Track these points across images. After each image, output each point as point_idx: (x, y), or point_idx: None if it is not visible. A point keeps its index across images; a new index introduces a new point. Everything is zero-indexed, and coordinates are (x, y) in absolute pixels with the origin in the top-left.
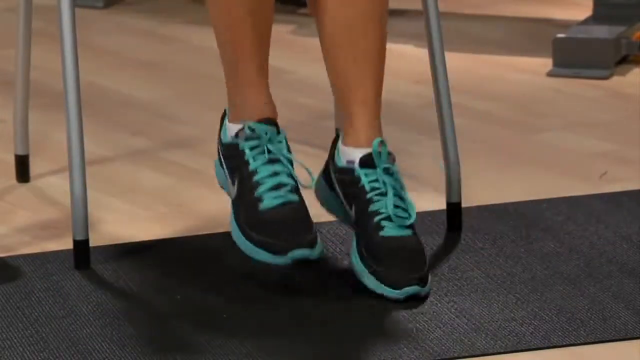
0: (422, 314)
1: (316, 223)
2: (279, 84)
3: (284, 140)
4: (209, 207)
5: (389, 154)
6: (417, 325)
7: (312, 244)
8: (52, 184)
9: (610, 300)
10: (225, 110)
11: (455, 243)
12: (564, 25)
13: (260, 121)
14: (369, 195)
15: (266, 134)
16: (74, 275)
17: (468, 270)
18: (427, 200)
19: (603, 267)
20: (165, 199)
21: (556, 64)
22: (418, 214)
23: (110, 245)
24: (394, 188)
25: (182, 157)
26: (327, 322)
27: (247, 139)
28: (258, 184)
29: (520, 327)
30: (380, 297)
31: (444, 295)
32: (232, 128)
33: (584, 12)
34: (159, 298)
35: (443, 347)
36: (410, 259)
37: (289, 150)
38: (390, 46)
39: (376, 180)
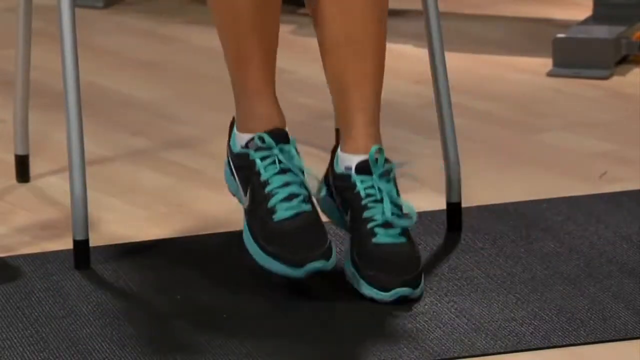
0: (422, 314)
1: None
2: (279, 84)
3: (294, 149)
4: (209, 207)
5: (387, 160)
6: (417, 325)
7: (327, 256)
8: (52, 184)
9: (610, 300)
10: (233, 119)
11: (455, 243)
12: (564, 25)
13: (269, 131)
14: (363, 202)
15: (276, 144)
16: (74, 275)
17: (468, 270)
18: (427, 200)
19: (603, 267)
20: (165, 199)
21: (556, 64)
22: (418, 214)
23: (110, 245)
24: (389, 195)
25: (182, 157)
26: (327, 322)
27: (257, 149)
28: (270, 194)
29: (520, 327)
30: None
31: (444, 295)
32: (241, 137)
33: (584, 12)
34: (159, 298)
35: (443, 347)
36: (401, 264)
37: (299, 160)
38: (390, 46)
39: (372, 187)
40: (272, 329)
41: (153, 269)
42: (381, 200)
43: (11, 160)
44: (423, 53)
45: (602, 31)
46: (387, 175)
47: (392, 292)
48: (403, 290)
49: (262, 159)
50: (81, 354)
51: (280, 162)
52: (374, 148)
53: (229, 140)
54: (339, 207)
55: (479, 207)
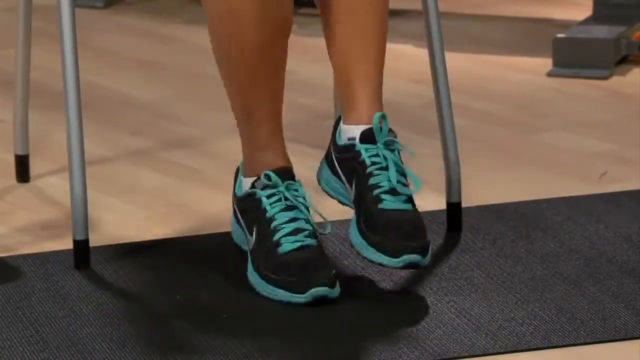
0: (422, 314)
1: (315, 223)
2: None
3: (300, 188)
4: (209, 207)
5: (390, 130)
6: (417, 325)
7: (332, 283)
8: (52, 184)
9: (610, 300)
10: (238, 168)
11: (455, 243)
12: (564, 25)
13: (276, 170)
14: (369, 170)
15: (282, 181)
16: (74, 275)
17: (468, 270)
18: (427, 200)
19: (603, 267)
20: (165, 199)
21: (556, 64)
22: None
23: (110, 245)
24: (395, 163)
25: (182, 157)
26: (327, 322)
27: (264, 187)
28: (276, 229)
29: (520, 327)
30: (380, 295)
31: (444, 295)
32: (247, 181)
33: (584, 12)
34: (159, 298)
35: (443, 347)
36: (409, 230)
37: (305, 199)
38: (390, 46)
39: (377, 155)
40: (272, 329)
41: (153, 269)
42: (386, 168)
43: (11, 160)
44: (423, 53)
45: (602, 31)
46: (391, 144)
47: (402, 258)
48: (413, 257)
49: (269, 196)
50: (81, 354)
51: (286, 199)
52: (377, 115)
53: (234, 189)
54: (342, 180)
55: (479, 207)
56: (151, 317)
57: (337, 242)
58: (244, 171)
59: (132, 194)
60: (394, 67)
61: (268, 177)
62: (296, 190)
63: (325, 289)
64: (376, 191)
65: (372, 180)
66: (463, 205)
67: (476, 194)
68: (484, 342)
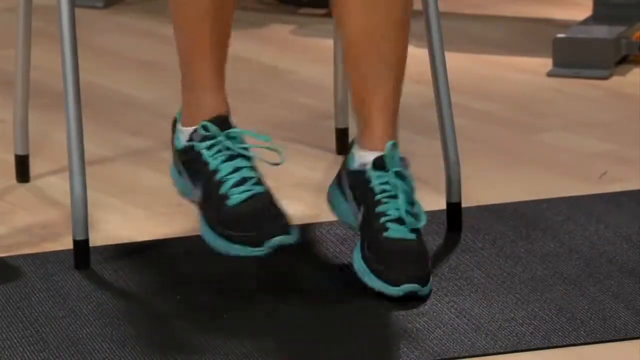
0: (422, 314)
1: (316, 223)
2: (279, 84)
3: (239, 136)
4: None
5: (402, 158)
6: (417, 325)
7: (286, 230)
8: (52, 184)
9: (610, 300)
10: (175, 117)
11: (455, 243)
12: (564, 25)
13: (213, 119)
14: (377, 197)
15: (221, 131)
16: (74, 275)
17: (468, 270)
18: (427, 200)
19: (603, 267)
20: (165, 199)
21: (556, 64)
22: None
23: (110, 245)
24: (405, 192)
25: None
26: (327, 322)
27: (202, 139)
28: (221, 182)
29: (520, 327)
30: (381, 297)
31: (444, 295)
32: (186, 132)
33: (584, 12)
34: (159, 298)
35: (443, 347)
36: (411, 260)
37: (246, 147)
38: None
39: (387, 183)
40: (272, 329)
41: (153, 269)
42: (395, 197)
43: (11, 160)
44: (423, 53)
45: (602, 31)
46: (403, 172)
47: (402, 287)
48: (412, 287)
49: (209, 147)
50: (81, 354)
51: (227, 148)
52: (389, 143)
53: (172, 139)
54: (352, 205)
55: (479, 207)
56: (151, 317)
57: (337, 242)
58: (182, 120)
59: (132, 194)
60: None
61: (206, 127)
62: (235, 137)
63: (281, 237)
64: (383, 219)
65: (379, 208)
66: (463, 205)
67: (476, 194)
68: (484, 342)
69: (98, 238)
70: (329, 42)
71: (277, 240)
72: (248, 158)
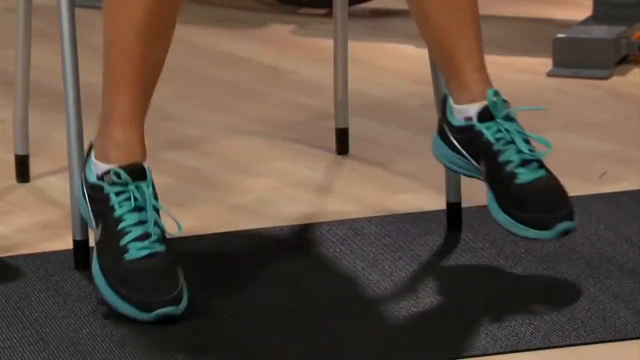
0: (421, 314)
1: (315, 223)
2: (279, 84)
3: (151, 187)
4: (208, 207)
5: (504, 101)
6: (417, 325)
7: (177, 301)
8: (52, 184)
9: (610, 300)
10: (91, 143)
11: (455, 243)
12: (564, 25)
13: (126, 167)
14: (495, 147)
15: (133, 180)
16: (74, 275)
17: (468, 270)
18: (427, 200)
19: (603, 267)
20: (165, 199)
21: (556, 64)
22: (418, 213)
23: None
24: (518, 133)
25: (182, 157)
26: (327, 322)
27: (112, 184)
28: (124, 232)
29: (520, 327)
30: (380, 295)
31: (444, 295)
32: (98, 167)
33: (584, 12)
34: None
35: (443, 347)
36: (552, 198)
37: (156, 198)
38: (390, 46)
39: (499, 131)
40: (272, 329)
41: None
42: (512, 141)
43: (11, 160)
44: (423, 53)
45: (602, 31)
46: (510, 115)
47: (555, 229)
48: (565, 225)
49: (117, 194)
50: (81, 354)
51: (135, 199)
52: (490, 92)
53: (84, 166)
54: (467, 159)
55: (479, 207)
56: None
57: (337, 242)
58: (95, 151)
59: None
60: (394, 67)
61: (118, 174)
62: (147, 188)
63: (170, 308)
64: (508, 167)
65: (501, 158)
66: (463, 205)
67: (476, 194)
68: (484, 342)
69: None
70: (329, 42)
71: (166, 310)
72: (154, 212)
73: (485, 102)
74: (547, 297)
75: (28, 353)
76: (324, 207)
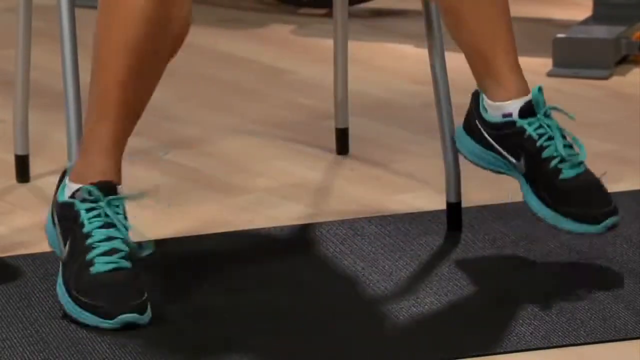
0: (422, 314)
1: (315, 223)
2: (279, 84)
3: (121, 205)
4: (208, 207)
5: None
6: (418, 325)
7: (141, 309)
8: (52, 184)
9: (610, 300)
10: (64, 171)
11: (455, 243)
12: (564, 25)
13: (98, 184)
14: (539, 143)
15: (104, 196)
16: None
17: (468, 270)
18: (427, 200)
19: (603, 267)
20: (165, 199)
21: (556, 64)
22: (418, 213)
23: None
24: (558, 129)
25: (182, 157)
26: (327, 322)
27: (83, 200)
28: (91, 247)
29: (520, 327)
30: (380, 294)
31: (444, 295)
32: (70, 187)
33: (584, 12)
34: (159, 298)
35: (443, 347)
36: (596, 194)
37: (125, 217)
38: (390, 46)
39: (540, 127)
40: (272, 329)
41: (153, 269)
42: (553, 137)
43: (11, 160)
44: (423, 53)
45: (602, 31)
46: (549, 111)
47: (603, 224)
48: (612, 220)
49: (88, 210)
50: (81, 354)
51: (106, 215)
52: (536, 88)
53: (56, 191)
54: (502, 155)
55: (479, 207)
56: (151, 317)
57: (337, 242)
58: (70, 174)
59: None
60: (394, 67)
61: (89, 192)
62: (117, 206)
63: (134, 315)
64: (553, 163)
65: (545, 153)
66: (463, 205)
67: (476, 194)
68: (484, 342)
69: None
70: (329, 42)
71: (129, 317)
72: (123, 230)
73: (526, 99)
74: (547, 297)
75: (28, 353)
76: (324, 207)
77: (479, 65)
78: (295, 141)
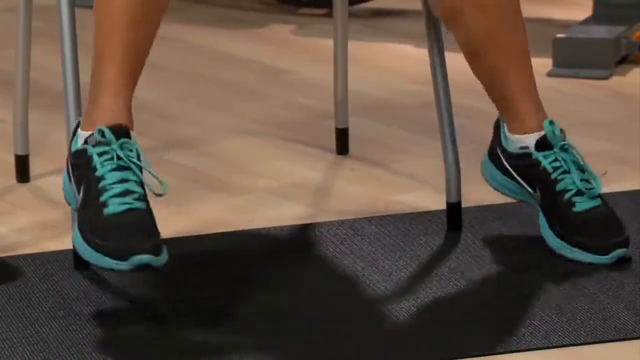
0: (422, 314)
1: (315, 223)
2: (279, 84)
3: (135, 148)
4: (209, 207)
5: (561, 131)
6: (418, 325)
7: (155, 251)
8: (52, 184)
9: (610, 300)
10: (77, 123)
11: (455, 243)
12: (564, 25)
13: (111, 126)
14: (553, 176)
15: (117, 139)
16: (74, 275)
17: (468, 270)
18: (427, 200)
19: (603, 267)
20: (166, 199)
21: (556, 64)
22: (418, 213)
23: None
24: (574, 163)
25: (182, 157)
26: (327, 322)
27: (96, 144)
28: (104, 189)
29: (520, 327)
30: (380, 294)
31: (444, 295)
32: (83, 135)
33: (584, 12)
34: (159, 298)
35: (443, 347)
36: (608, 226)
37: (139, 159)
38: (390, 46)
39: (556, 160)
40: (273, 329)
41: (153, 269)
42: (569, 171)
43: (11, 160)
44: (423, 53)
45: (602, 31)
46: (566, 145)
47: (611, 254)
48: (620, 252)
49: (100, 154)
50: (81, 354)
51: (119, 158)
52: (547, 121)
53: (70, 145)
54: (520, 184)
55: (479, 207)
56: (151, 317)
57: (337, 242)
58: (83, 124)
59: None
60: (394, 67)
61: (102, 133)
62: (131, 150)
63: (148, 256)
64: (567, 195)
65: (559, 186)
66: (463, 205)
67: (476, 194)
68: (484, 342)
69: None
70: (329, 42)
71: (143, 258)
72: (137, 172)
73: (542, 132)
74: (547, 297)
75: (28, 353)
76: (324, 207)
77: (498, 100)
78: (295, 141)
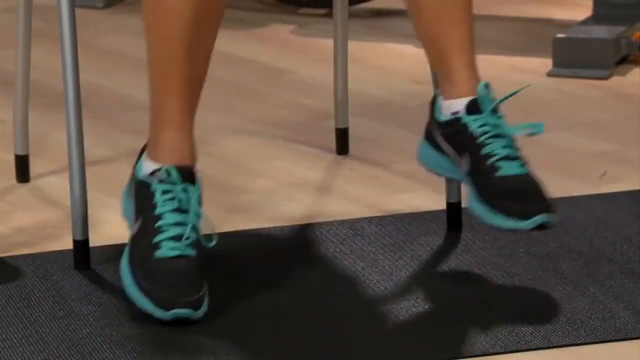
0: (422, 314)
1: (315, 223)
2: (279, 84)
3: (197, 193)
4: (208, 207)
5: (493, 96)
6: (417, 325)
7: (197, 305)
8: (52, 184)
9: (610, 300)
10: (144, 145)
11: (455, 243)
12: (564, 25)
13: (179, 167)
14: (480, 140)
15: (182, 181)
16: (74, 276)
17: (468, 270)
18: (427, 200)
19: (603, 267)
20: None
21: (556, 64)
22: (418, 213)
23: (110, 245)
24: (504, 128)
25: None
26: (327, 322)
27: (160, 181)
28: (160, 230)
29: (520, 327)
30: (380, 294)
31: (444, 295)
32: (148, 166)
33: (584, 12)
34: None
35: (443, 348)
36: (532, 192)
37: (200, 204)
38: (390, 46)
39: (485, 124)
40: (272, 329)
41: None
42: (497, 136)
43: (11, 160)
44: (423, 53)
45: (602, 31)
46: (497, 110)
47: (532, 219)
48: (542, 217)
49: (163, 192)
50: (81, 354)
51: (180, 200)
52: (482, 84)
53: (135, 165)
54: (449, 155)
55: None
56: (151, 317)
57: (337, 242)
58: (148, 151)
59: None
60: (394, 67)
61: (168, 172)
62: (194, 193)
63: (189, 310)
64: (491, 160)
65: (485, 150)
66: (463, 205)
67: None
68: (484, 342)
69: (98, 238)
70: (329, 42)
71: (183, 312)
72: (194, 218)
73: (473, 96)
74: (547, 297)
75: (28, 353)
76: (324, 207)
77: (436, 63)
78: (295, 141)
